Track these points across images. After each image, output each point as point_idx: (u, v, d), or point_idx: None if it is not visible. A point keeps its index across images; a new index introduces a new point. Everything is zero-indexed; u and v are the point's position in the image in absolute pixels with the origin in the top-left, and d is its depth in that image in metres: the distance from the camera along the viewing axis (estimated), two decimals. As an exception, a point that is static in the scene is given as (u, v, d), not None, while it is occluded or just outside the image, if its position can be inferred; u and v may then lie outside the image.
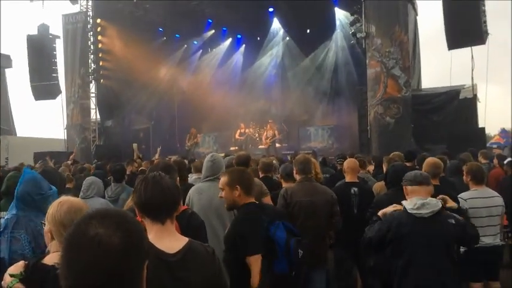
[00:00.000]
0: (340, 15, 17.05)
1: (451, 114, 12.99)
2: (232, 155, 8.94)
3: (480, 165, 4.83)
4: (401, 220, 2.98)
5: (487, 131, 15.50)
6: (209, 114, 18.49)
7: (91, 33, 17.85)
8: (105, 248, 1.02)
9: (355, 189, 4.63)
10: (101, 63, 18.02)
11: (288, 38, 19.00)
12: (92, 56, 17.94)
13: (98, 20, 17.79)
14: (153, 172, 2.08)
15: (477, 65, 12.86)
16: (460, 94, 13.22)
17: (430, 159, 4.43)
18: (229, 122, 18.87)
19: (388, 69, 12.48)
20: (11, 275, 1.72)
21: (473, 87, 13.16)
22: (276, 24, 18.97)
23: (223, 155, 8.69)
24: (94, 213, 1.11)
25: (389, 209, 3.19)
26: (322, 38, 18.20)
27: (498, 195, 4.24)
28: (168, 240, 1.81)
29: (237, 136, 18.60)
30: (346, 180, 4.79)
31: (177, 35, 19.29)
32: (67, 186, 5.52)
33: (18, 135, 22.99)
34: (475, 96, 13.14)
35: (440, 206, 2.99)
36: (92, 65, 17.95)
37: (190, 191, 3.72)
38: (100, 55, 17.98)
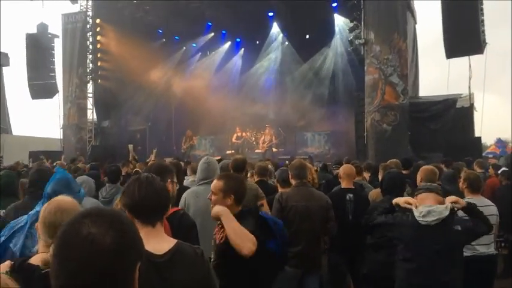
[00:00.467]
0: (340, 21, 17.11)
1: (448, 123, 13.04)
2: (227, 158, 8.93)
3: (478, 174, 4.84)
4: (406, 224, 3.07)
5: (483, 141, 15.58)
6: (206, 117, 18.47)
7: (90, 33, 17.86)
8: (97, 248, 1.00)
9: (351, 195, 4.62)
10: (99, 64, 18.02)
11: (287, 43, 19.05)
12: (91, 56, 17.93)
13: (98, 20, 17.79)
14: (145, 173, 2.05)
15: (474, 74, 12.95)
16: (457, 103, 13.28)
17: (425, 167, 4.44)
18: (226, 125, 18.86)
19: (386, 77, 12.53)
20: None
21: (471, 96, 13.22)
22: (275, 29, 19.01)
23: (219, 158, 8.68)
24: (87, 212, 1.09)
25: (402, 200, 3.22)
26: (321, 44, 18.25)
27: (493, 204, 4.25)
28: (156, 241, 1.80)
29: (233, 140, 18.60)
30: (342, 186, 4.78)
31: (176, 37, 19.30)
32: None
33: (14, 133, 22.88)
34: (472, 105, 13.20)
35: (448, 213, 2.97)
36: (90, 65, 17.94)
37: (186, 194, 3.70)
38: (98, 55, 17.97)
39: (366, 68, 13.23)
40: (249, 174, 5.41)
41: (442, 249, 2.96)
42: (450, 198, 3.14)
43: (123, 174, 6.64)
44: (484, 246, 4.07)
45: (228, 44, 19.95)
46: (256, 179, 5.14)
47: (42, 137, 21.83)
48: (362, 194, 4.91)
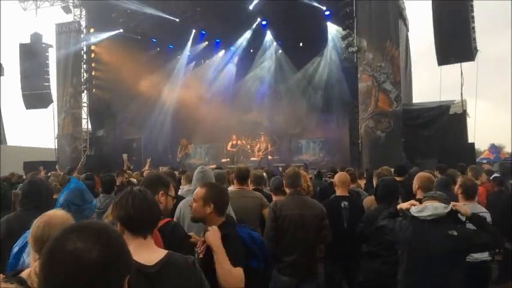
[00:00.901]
0: (332, 29, 17.25)
1: (441, 129, 13.11)
2: (223, 167, 8.93)
3: (475, 181, 4.87)
4: (404, 229, 3.15)
5: (476, 146, 15.67)
6: (201, 125, 18.49)
7: (84, 42, 17.85)
8: (83, 262, 1.00)
9: (346, 203, 4.62)
10: (93, 73, 18.01)
11: (280, 51, 19.17)
12: (85, 66, 17.92)
13: (91, 30, 17.80)
14: (137, 187, 2.07)
15: (466, 81, 13.04)
16: (450, 109, 13.35)
17: (422, 174, 4.45)
18: (221, 134, 18.86)
19: (380, 84, 12.62)
20: None
21: (463, 102, 13.31)
22: (268, 37, 19.13)
23: (214, 166, 8.66)
24: (73, 227, 1.09)
25: (405, 205, 3.27)
26: (314, 52, 18.38)
27: (486, 211, 4.27)
28: (147, 252, 1.82)
29: (228, 148, 18.59)
30: (337, 194, 4.79)
31: (170, 46, 19.36)
32: (54, 196, 5.45)
33: (8, 144, 22.72)
34: (464, 111, 13.27)
35: (444, 212, 3.00)
36: (84, 74, 17.93)
37: (181, 204, 3.70)
38: (92, 65, 17.97)
39: (359, 75, 13.32)
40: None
41: (437, 255, 2.98)
42: (455, 204, 3.17)
43: (117, 184, 6.60)
44: (479, 252, 4.09)
45: (222, 53, 20.05)
46: (251, 187, 5.14)
47: (37, 147, 21.68)
48: (357, 202, 4.92)
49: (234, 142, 18.56)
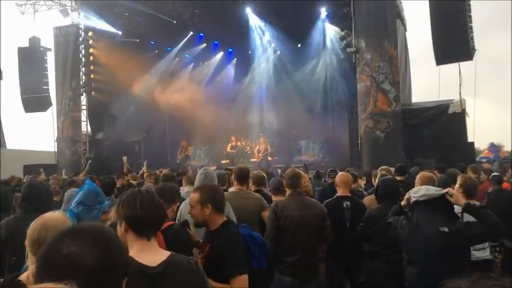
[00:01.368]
0: (331, 30, 17.25)
1: (440, 129, 13.12)
2: (222, 168, 8.91)
3: (475, 180, 4.87)
4: (403, 226, 3.22)
5: (476, 146, 15.68)
6: (200, 127, 18.46)
7: (82, 45, 17.85)
8: (78, 267, 0.98)
9: (348, 203, 4.62)
10: (92, 76, 18.01)
11: (278, 52, 19.16)
12: (83, 69, 17.94)
13: (89, 33, 17.81)
14: (144, 188, 2.09)
15: (465, 80, 13.07)
16: (449, 109, 13.38)
17: (423, 173, 4.45)
18: (221, 135, 18.84)
19: (378, 84, 12.63)
20: None
21: (462, 102, 13.33)
22: (266, 38, 19.12)
23: (214, 168, 8.65)
24: (67, 231, 1.07)
25: (404, 199, 3.35)
26: (312, 53, 18.35)
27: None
28: (150, 254, 1.82)
29: (228, 149, 18.57)
30: (338, 194, 4.78)
31: (168, 48, 19.36)
32: (55, 199, 5.45)
33: (8, 147, 22.69)
34: (463, 110, 13.30)
35: (436, 194, 3.07)
36: (83, 77, 17.94)
37: (182, 206, 3.69)
38: (91, 68, 17.97)
39: (357, 75, 13.34)
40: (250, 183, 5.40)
41: (433, 253, 3.01)
42: (451, 190, 3.24)
43: (117, 186, 6.59)
44: (480, 251, 4.10)
45: (220, 54, 20.05)
46: (253, 188, 5.14)
47: (37, 151, 21.66)
48: (359, 202, 4.91)
49: (234, 144, 18.55)
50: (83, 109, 18.19)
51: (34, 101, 18.16)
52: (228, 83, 20.15)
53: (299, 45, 18.37)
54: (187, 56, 19.92)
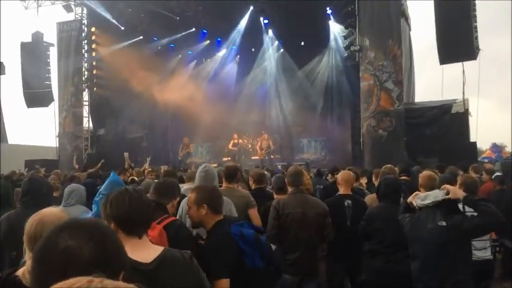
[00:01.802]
0: (335, 28, 17.18)
1: (443, 128, 13.08)
2: (224, 165, 8.89)
3: (475, 179, 4.86)
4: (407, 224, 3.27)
5: (478, 145, 15.63)
6: (202, 124, 18.44)
7: (85, 41, 17.84)
8: (76, 260, 0.98)
9: (349, 201, 4.61)
10: (94, 72, 18.01)
11: (282, 50, 19.10)
12: (86, 64, 17.93)
13: (93, 29, 17.79)
14: (131, 187, 2.08)
15: (468, 80, 13.01)
16: (452, 108, 13.33)
17: (424, 172, 4.45)
18: (223, 132, 18.81)
19: (381, 83, 12.57)
20: None
21: (465, 101, 13.28)
22: (270, 36, 19.07)
23: (216, 165, 8.64)
24: (64, 225, 1.07)
25: (411, 198, 3.34)
26: (316, 51, 18.31)
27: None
28: (143, 251, 1.81)
29: (230, 146, 18.55)
30: (340, 193, 4.77)
31: (171, 45, 19.34)
32: (54, 195, 5.44)
33: (9, 142, 22.75)
34: (466, 110, 13.25)
35: (442, 197, 3.04)
36: (86, 73, 17.94)
37: (183, 202, 3.68)
38: (94, 63, 17.97)
39: (361, 74, 13.28)
40: (251, 181, 5.39)
41: (434, 248, 3.04)
42: (444, 186, 3.19)
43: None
44: (481, 250, 4.09)
45: (223, 52, 19.98)
46: (253, 186, 5.13)
47: (38, 146, 21.73)
48: (360, 200, 4.90)
49: (236, 141, 18.51)
50: (85, 105, 18.19)
51: (36, 96, 18.18)
52: (231, 80, 20.09)
53: (302, 43, 18.32)
54: (190, 52, 19.87)
